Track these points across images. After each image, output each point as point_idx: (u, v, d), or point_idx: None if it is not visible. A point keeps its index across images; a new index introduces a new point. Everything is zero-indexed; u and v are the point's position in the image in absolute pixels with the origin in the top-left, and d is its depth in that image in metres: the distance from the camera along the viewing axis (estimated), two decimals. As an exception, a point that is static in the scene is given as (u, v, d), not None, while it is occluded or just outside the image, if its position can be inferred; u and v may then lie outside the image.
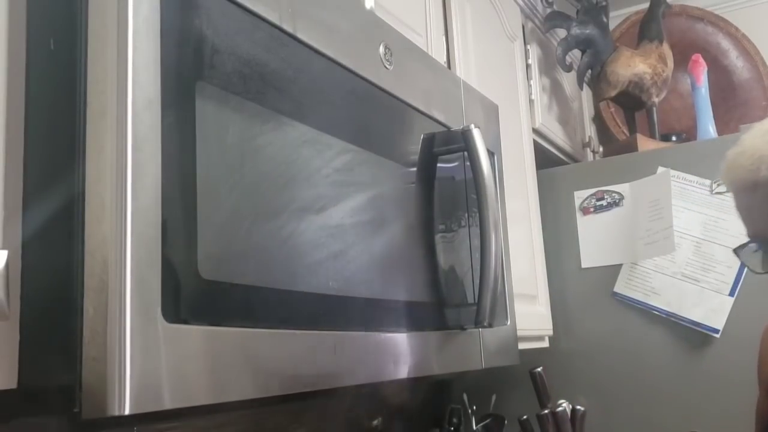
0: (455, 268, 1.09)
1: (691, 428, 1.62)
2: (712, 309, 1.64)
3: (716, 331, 1.63)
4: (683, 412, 1.65)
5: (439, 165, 1.09)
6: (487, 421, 1.65)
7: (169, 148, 0.57)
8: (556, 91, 2.10)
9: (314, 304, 0.74)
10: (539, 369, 1.65)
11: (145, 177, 0.55)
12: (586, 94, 2.44)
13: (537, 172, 1.86)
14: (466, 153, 1.11)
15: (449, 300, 1.05)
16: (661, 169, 1.74)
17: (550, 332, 1.75)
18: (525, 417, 1.65)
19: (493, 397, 1.66)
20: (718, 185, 1.68)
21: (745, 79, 2.59)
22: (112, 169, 0.53)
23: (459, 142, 1.10)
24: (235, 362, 0.62)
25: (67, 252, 0.54)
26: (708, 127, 1.95)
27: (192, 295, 0.59)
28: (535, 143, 1.91)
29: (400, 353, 0.89)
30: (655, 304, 1.70)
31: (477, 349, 1.11)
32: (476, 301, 1.07)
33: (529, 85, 1.91)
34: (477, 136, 1.08)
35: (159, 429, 1.11)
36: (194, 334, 0.58)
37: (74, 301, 0.53)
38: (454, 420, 1.61)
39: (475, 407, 1.66)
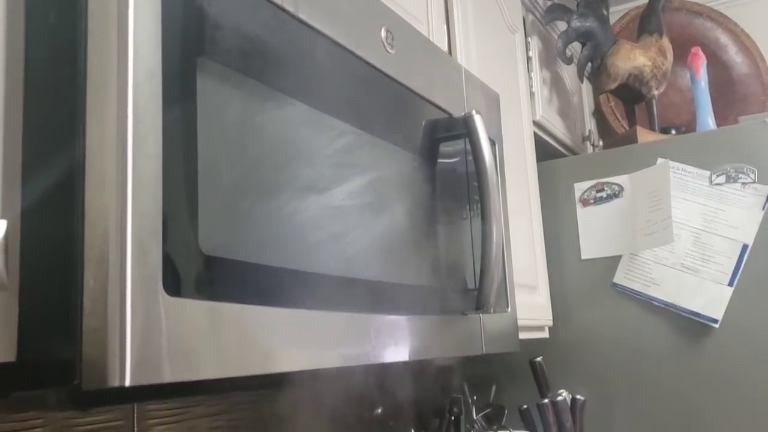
0: (456, 255, 1.09)
1: (690, 417, 1.62)
2: (711, 299, 1.64)
3: (715, 321, 1.63)
4: (682, 402, 1.65)
5: (440, 152, 1.09)
6: (488, 411, 1.64)
7: (170, 121, 0.57)
8: (556, 84, 2.10)
9: (315, 284, 0.74)
10: (539, 359, 1.65)
11: (146, 149, 0.54)
12: (586, 88, 2.44)
13: (537, 164, 1.86)
14: (467, 140, 1.11)
15: (450, 285, 1.05)
16: (660, 161, 1.74)
17: (550, 323, 1.75)
18: (525, 406, 1.65)
19: (494, 387, 1.66)
20: (718, 176, 1.68)
21: (744, 75, 2.59)
22: (112, 139, 0.53)
23: (460, 129, 1.10)
24: (235, 338, 0.61)
25: (67, 223, 0.53)
26: (707, 120, 1.95)
27: (193, 270, 0.58)
28: (536, 136, 1.91)
29: (401, 336, 0.89)
30: (654, 295, 1.70)
31: (478, 335, 1.11)
32: (477, 287, 1.07)
33: (530, 78, 1.90)
34: (478, 122, 1.08)
35: (157, 416, 1.11)
36: (195, 308, 0.57)
37: (74, 272, 0.53)
38: (455, 409, 1.60)
39: (475, 397, 1.65)
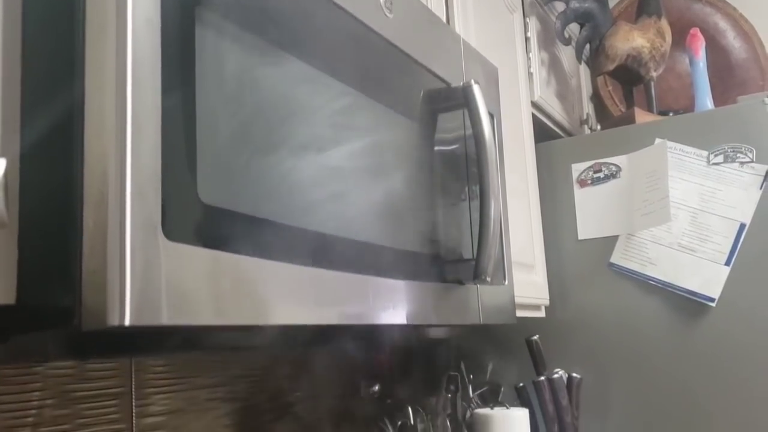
0: (454, 225, 1.09)
1: (686, 396, 1.63)
2: (708, 278, 1.64)
3: (712, 300, 1.63)
4: (679, 381, 1.65)
5: (439, 122, 1.09)
6: (484, 388, 1.65)
7: (168, 67, 0.57)
8: (554, 66, 2.10)
9: (313, 242, 0.74)
10: (535, 337, 1.65)
11: (145, 93, 0.54)
12: (584, 71, 2.44)
13: (535, 146, 1.86)
14: (466, 111, 1.11)
15: (447, 255, 1.05)
16: (658, 140, 1.74)
17: (547, 302, 1.76)
18: (521, 384, 1.65)
19: (490, 365, 1.66)
20: (716, 156, 1.68)
21: (742, 59, 2.59)
22: (111, 83, 0.53)
23: (459, 99, 1.10)
24: (233, 287, 0.61)
25: (67, 166, 0.53)
26: (705, 101, 1.95)
27: (192, 217, 0.59)
28: (534, 117, 1.91)
29: (399, 300, 0.89)
30: (651, 274, 1.71)
31: (475, 305, 1.11)
32: (475, 257, 1.07)
33: (528, 58, 1.90)
34: (477, 92, 1.08)
35: (155, 385, 1.11)
36: (194, 254, 0.58)
37: (74, 215, 0.53)
38: (452, 387, 1.61)
39: (471, 376, 1.66)
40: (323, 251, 0.75)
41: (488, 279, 1.05)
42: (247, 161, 0.66)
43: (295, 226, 0.71)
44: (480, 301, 1.13)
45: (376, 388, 1.63)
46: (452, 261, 1.07)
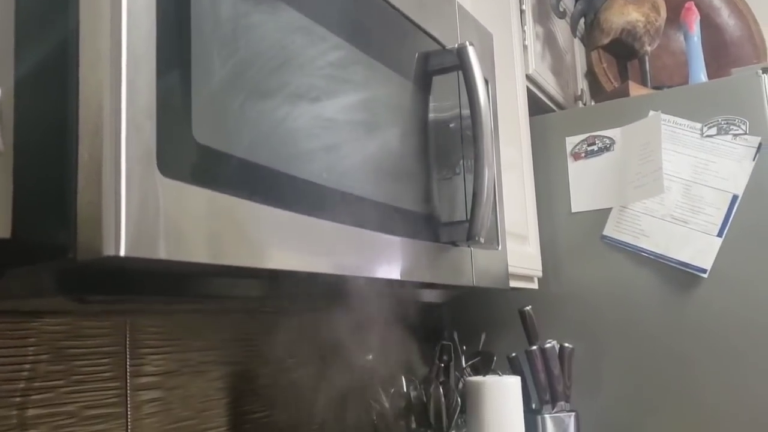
0: (448, 187, 1.09)
1: (678, 365, 1.64)
2: (700, 249, 1.65)
3: (704, 271, 1.64)
4: (671, 351, 1.67)
5: (433, 85, 1.09)
6: (477, 359, 1.65)
7: (164, 2, 0.57)
8: (549, 41, 2.10)
9: (307, 190, 0.74)
10: (528, 308, 1.66)
11: (140, 27, 0.54)
12: (579, 48, 2.44)
13: (530, 119, 1.86)
14: (460, 74, 1.11)
15: (442, 216, 1.06)
16: (652, 113, 1.74)
17: (540, 273, 1.76)
18: (514, 354, 1.66)
19: (483, 336, 1.67)
20: (709, 128, 1.69)
21: (737, 37, 2.59)
22: (106, 15, 0.53)
23: (453, 61, 1.09)
24: (228, 228, 0.62)
25: (62, 98, 0.53)
26: (700, 75, 1.95)
27: (187, 156, 0.59)
28: (528, 91, 1.91)
29: (393, 255, 0.89)
30: (643, 246, 1.71)
31: (468, 267, 1.11)
32: (468, 219, 1.07)
33: (523, 31, 1.90)
34: (472, 53, 1.08)
35: (150, 345, 1.12)
36: (190, 192, 0.58)
37: (69, 147, 0.53)
38: (444, 357, 1.61)
39: (464, 347, 1.66)
40: (317, 201, 0.75)
41: (481, 240, 1.05)
42: (241, 105, 0.66)
43: (289, 174, 0.71)
44: (473, 264, 1.14)
45: (370, 357, 1.63)
46: (446, 223, 1.07)
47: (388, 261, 0.88)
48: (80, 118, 0.53)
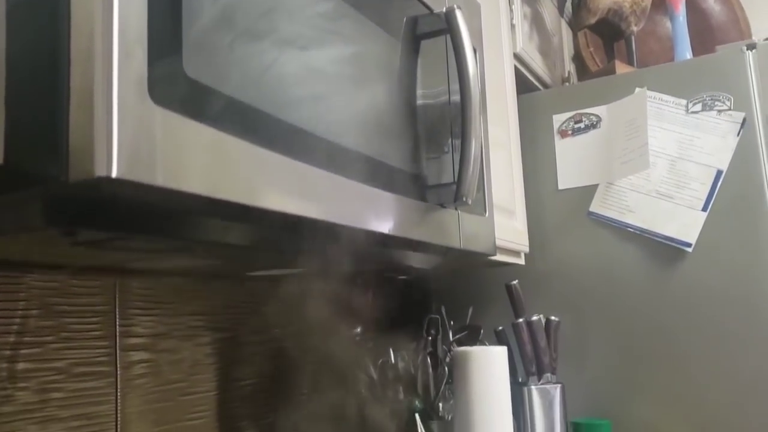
0: (435, 148, 1.10)
1: (663, 337, 1.66)
2: (685, 224, 1.67)
3: (689, 245, 1.66)
4: (655, 324, 1.69)
5: (422, 49, 1.10)
6: (464, 333, 1.67)
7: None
8: (537, 21, 2.11)
9: (296, 136, 0.75)
10: (515, 282, 1.67)
11: (131, -45, 0.55)
12: (566, 31, 2.46)
13: (517, 98, 1.87)
14: (448, 38, 1.12)
15: (429, 176, 1.07)
16: (638, 90, 1.76)
17: (527, 249, 1.78)
18: (500, 328, 1.67)
19: (470, 309, 1.68)
20: (694, 104, 1.71)
21: (722, 23, 2.62)
22: (98, -58, 0.54)
23: (441, 25, 1.10)
24: (220, 163, 0.62)
25: (53, 24, 0.54)
26: (685, 54, 1.97)
27: (178, 88, 0.59)
28: (516, 70, 1.92)
29: (381, 208, 0.90)
30: (629, 222, 1.73)
31: (455, 229, 1.13)
32: (456, 180, 1.08)
33: (511, 10, 1.91)
34: (460, 17, 1.09)
35: (139, 307, 1.12)
36: (182, 123, 0.58)
37: (61, 73, 0.53)
38: (432, 330, 1.63)
39: (452, 322, 1.68)
40: (306, 147, 0.76)
41: (469, 201, 1.06)
42: (231, 45, 0.66)
43: (278, 118, 0.72)
44: (461, 228, 1.15)
45: (358, 330, 1.64)
46: (434, 185, 1.08)
47: (377, 214, 0.89)
48: (72, 44, 0.53)
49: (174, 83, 0.59)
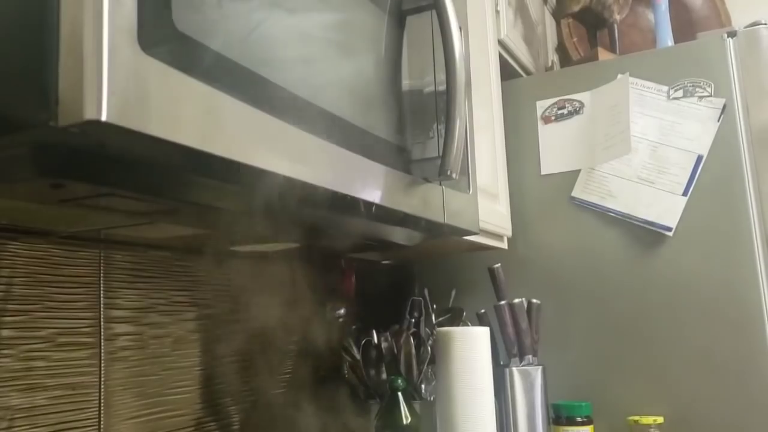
0: (420, 123, 1.11)
1: (644, 320, 1.68)
2: (665, 208, 1.69)
3: (669, 229, 1.68)
4: (636, 307, 1.70)
5: (408, 26, 1.11)
6: (447, 315, 1.68)
7: None
8: (521, 10, 2.13)
9: (284, 98, 0.75)
10: (497, 265, 1.68)
11: None
12: (550, 21, 2.47)
13: (501, 84, 1.88)
14: (434, 13, 1.12)
15: (414, 150, 1.07)
16: (620, 76, 1.78)
17: (509, 233, 1.79)
18: (483, 311, 1.68)
19: (453, 292, 1.69)
20: (676, 91, 1.73)
21: (704, 17, 2.64)
22: None
23: (429, 0, 1.11)
24: (208, 117, 0.63)
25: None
26: (667, 41, 2.00)
27: (167, 40, 0.59)
28: (500, 57, 1.93)
29: (367, 176, 0.91)
30: (611, 206, 1.75)
31: (439, 204, 1.13)
32: (441, 154, 1.09)
33: (495, -2, 1.92)
34: (445, -8, 1.09)
35: (122, 281, 1.12)
36: (172, 74, 0.59)
37: (50, 20, 0.53)
38: (416, 313, 1.64)
39: (435, 306, 1.69)
40: (293, 110, 0.76)
41: (454, 175, 1.06)
42: (220, 1, 0.67)
43: (266, 78, 0.72)
44: (445, 203, 1.16)
45: (342, 311, 1.65)
46: (418, 160, 1.09)
47: (364, 182, 0.90)
48: (61, -10, 0.54)
49: (163, 35, 0.59)
